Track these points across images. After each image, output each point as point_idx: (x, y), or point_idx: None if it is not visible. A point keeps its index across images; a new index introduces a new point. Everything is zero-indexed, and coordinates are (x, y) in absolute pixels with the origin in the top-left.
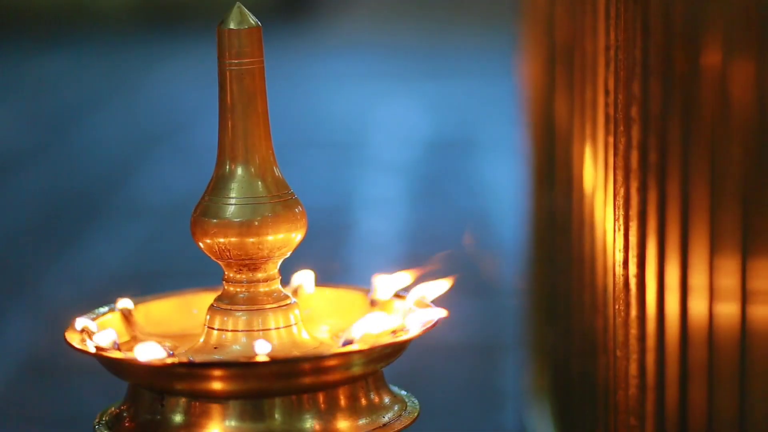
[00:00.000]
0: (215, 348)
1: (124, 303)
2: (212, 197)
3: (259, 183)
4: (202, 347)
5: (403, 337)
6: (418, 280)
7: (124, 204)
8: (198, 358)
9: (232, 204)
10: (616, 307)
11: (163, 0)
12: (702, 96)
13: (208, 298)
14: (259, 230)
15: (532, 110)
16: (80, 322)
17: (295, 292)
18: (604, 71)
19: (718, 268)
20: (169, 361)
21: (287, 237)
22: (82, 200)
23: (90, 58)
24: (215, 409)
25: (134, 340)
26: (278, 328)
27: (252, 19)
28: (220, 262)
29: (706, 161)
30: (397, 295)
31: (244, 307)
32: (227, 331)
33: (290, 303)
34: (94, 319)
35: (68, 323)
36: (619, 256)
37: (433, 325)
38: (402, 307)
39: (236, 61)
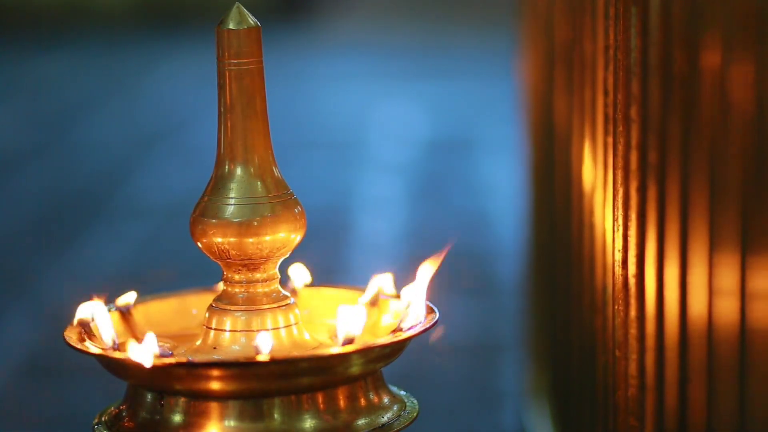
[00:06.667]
0: (214, 348)
1: (127, 298)
2: (211, 197)
3: (259, 183)
4: (201, 347)
5: (402, 337)
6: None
7: (124, 204)
8: (197, 358)
9: (231, 204)
10: (616, 306)
11: (163, 0)
12: (701, 96)
13: (207, 298)
14: (259, 230)
15: (532, 110)
16: (80, 311)
17: (294, 291)
18: (603, 71)
19: (717, 268)
20: (168, 361)
21: (286, 237)
22: (82, 200)
23: (90, 58)
24: (214, 408)
25: (134, 340)
26: (277, 328)
27: (251, 19)
28: (219, 262)
29: (706, 161)
30: (396, 295)
31: (243, 307)
32: (226, 331)
33: (289, 303)
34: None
35: (68, 323)
36: (619, 256)
37: (432, 324)
38: (397, 306)
39: (235, 61)
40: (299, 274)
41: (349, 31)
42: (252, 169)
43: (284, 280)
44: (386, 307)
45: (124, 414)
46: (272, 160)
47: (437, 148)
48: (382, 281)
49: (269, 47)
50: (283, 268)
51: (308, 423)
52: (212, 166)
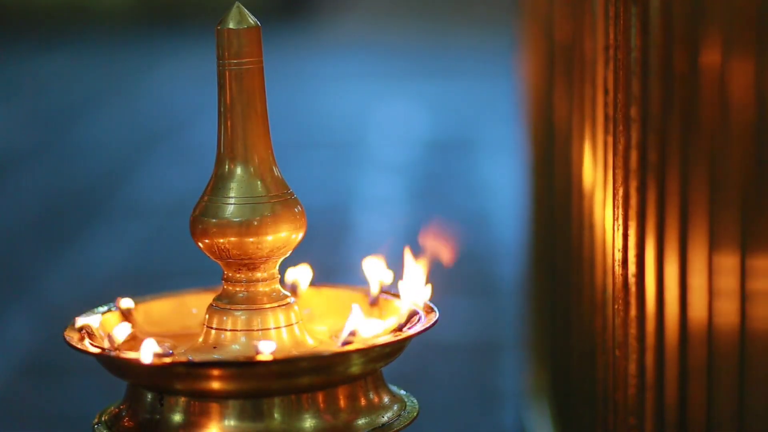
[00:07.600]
0: (214, 347)
1: (125, 303)
2: (211, 197)
3: (259, 183)
4: (202, 347)
5: (402, 336)
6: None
7: (124, 203)
8: (197, 358)
9: (231, 204)
10: (616, 306)
11: (163, 0)
12: (701, 96)
13: (207, 297)
14: (259, 230)
15: (532, 110)
16: (80, 321)
17: (294, 290)
18: (603, 71)
19: (717, 268)
20: (168, 360)
21: (286, 237)
22: (82, 200)
23: (90, 58)
24: (214, 408)
25: (134, 339)
26: (277, 328)
27: (251, 19)
28: (219, 262)
29: (706, 161)
30: (394, 295)
31: (243, 306)
32: (226, 330)
33: (289, 302)
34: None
35: (68, 323)
36: (619, 256)
37: (432, 324)
38: (398, 306)
39: (235, 61)
40: (302, 274)
41: (349, 31)
42: (252, 169)
43: (284, 282)
44: (387, 307)
45: (124, 414)
46: (272, 159)
47: (437, 148)
48: (374, 266)
49: (269, 47)
50: (283, 268)
51: (308, 423)
52: (212, 166)
